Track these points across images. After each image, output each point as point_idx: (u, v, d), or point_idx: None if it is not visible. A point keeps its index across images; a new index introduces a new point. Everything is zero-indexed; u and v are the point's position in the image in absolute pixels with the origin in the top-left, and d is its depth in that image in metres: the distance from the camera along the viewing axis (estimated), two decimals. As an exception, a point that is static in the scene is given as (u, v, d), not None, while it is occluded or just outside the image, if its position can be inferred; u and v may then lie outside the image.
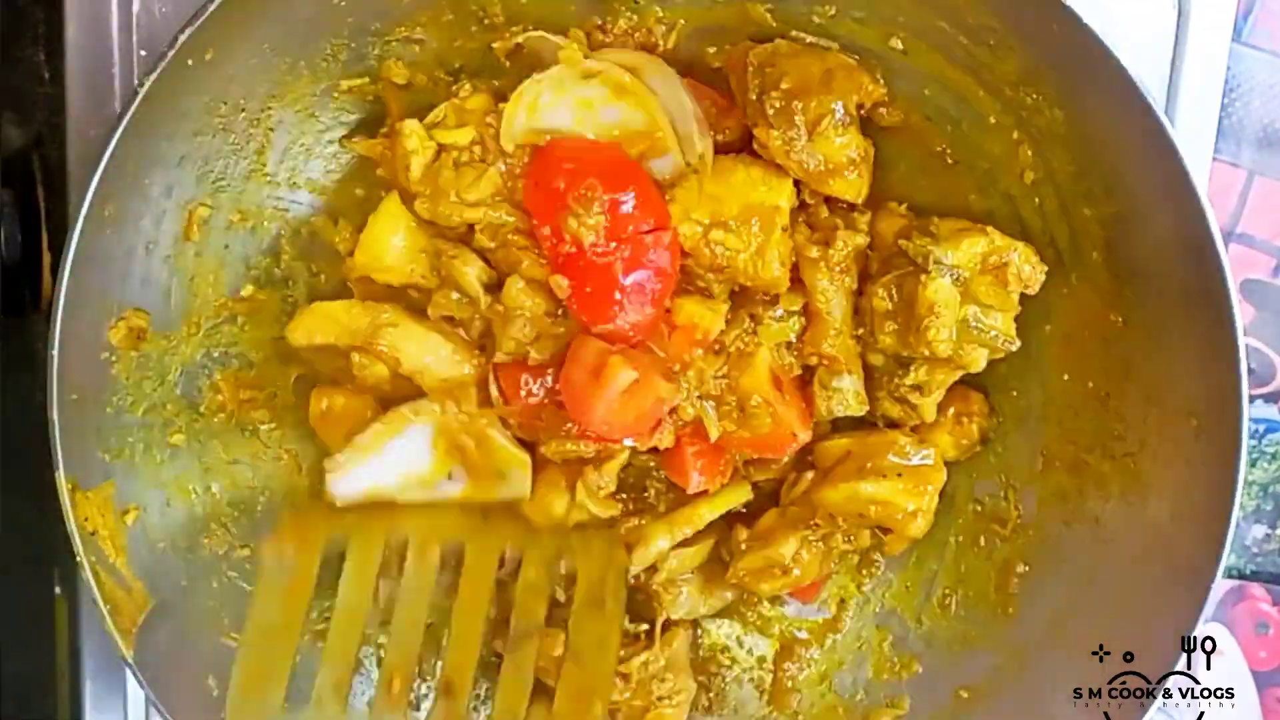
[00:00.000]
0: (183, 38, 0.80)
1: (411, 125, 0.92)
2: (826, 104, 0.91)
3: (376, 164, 0.97)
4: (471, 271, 0.94)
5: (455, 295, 0.96)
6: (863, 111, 0.94)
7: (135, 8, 0.99)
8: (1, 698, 1.01)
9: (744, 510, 1.04)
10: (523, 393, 0.96)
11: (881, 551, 1.05)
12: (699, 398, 0.96)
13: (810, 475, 1.01)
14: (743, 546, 1.01)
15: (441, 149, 0.93)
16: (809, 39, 0.94)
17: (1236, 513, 0.84)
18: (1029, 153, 0.92)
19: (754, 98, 0.92)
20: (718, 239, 0.92)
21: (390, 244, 0.95)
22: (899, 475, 0.98)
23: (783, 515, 1.02)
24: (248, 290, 0.99)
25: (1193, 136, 1.08)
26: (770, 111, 0.91)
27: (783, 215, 0.93)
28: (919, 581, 1.06)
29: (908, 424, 1.01)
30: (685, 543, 1.02)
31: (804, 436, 0.99)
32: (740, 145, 0.96)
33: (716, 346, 0.97)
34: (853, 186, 0.94)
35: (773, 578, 1.00)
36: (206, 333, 0.97)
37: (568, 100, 0.91)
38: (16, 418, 0.98)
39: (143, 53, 0.99)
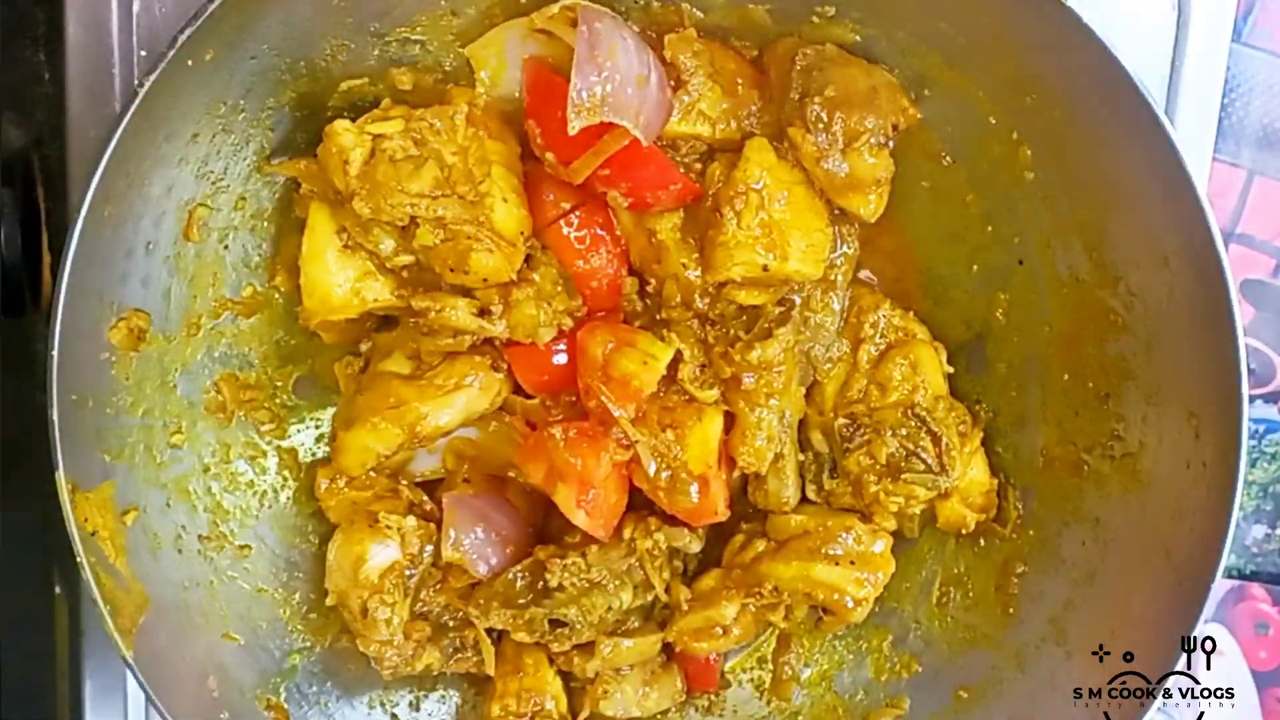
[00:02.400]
0: (183, 38, 0.80)
1: (343, 124, 0.91)
2: (866, 122, 0.91)
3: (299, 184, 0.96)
4: (460, 310, 0.94)
5: (450, 340, 0.97)
6: (896, 134, 0.93)
7: (135, 8, 0.99)
8: (1, 698, 1.01)
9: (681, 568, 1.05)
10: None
11: (816, 629, 1.06)
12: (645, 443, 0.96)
13: (761, 545, 1.01)
14: (684, 606, 1.01)
15: (375, 148, 0.91)
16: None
17: (1236, 513, 0.84)
18: (1029, 153, 0.92)
19: (795, 98, 0.92)
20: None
21: (331, 280, 0.95)
22: (851, 562, 0.98)
23: (726, 576, 1.02)
24: (248, 290, 0.99)
25: (1193, 136, 1.08)
26: (810, 116, 0.91)
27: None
28: (919, 581, 1.06)
29: (861, 508, 1.01)
30: (627, 633, 1.01)
31: (723, 516, 0.99)
32: (773, 136, 0.96)
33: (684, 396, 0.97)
34: (869, 205, 0.94)
35: (712, 638, 1.01)
36: (206, 333, 0.97)
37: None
38: (16, 418, 0.98)
39: (143, 53, 0.99)
